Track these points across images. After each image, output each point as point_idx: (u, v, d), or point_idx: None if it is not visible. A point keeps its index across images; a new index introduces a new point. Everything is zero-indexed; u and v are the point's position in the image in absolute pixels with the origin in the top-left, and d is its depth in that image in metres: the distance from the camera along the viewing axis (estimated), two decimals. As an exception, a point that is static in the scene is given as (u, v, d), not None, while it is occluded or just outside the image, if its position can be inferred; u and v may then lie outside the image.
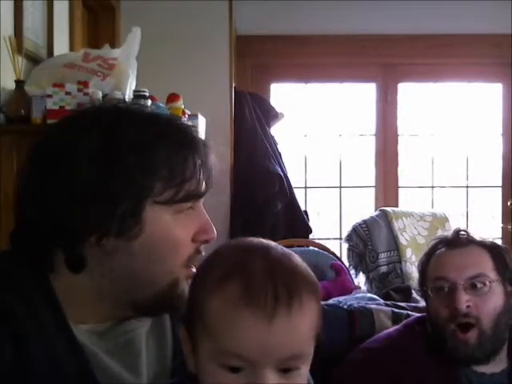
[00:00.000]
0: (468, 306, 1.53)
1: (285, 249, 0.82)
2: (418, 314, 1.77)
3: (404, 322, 1.75)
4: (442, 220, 3.91)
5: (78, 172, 0.91)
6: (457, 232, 1.65)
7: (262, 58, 4.45)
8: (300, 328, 0.75)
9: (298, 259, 0.80)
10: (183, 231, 0.96)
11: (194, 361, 0.79)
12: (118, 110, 1.00)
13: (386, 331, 1.71)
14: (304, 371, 0.77)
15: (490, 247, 1.62)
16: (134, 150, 0.93)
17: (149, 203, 0.93)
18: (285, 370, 0.75)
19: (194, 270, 0.96)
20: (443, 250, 1.64)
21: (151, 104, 2.55)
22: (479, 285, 1.55)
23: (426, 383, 1.56)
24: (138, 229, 0.92)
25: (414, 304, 2.66)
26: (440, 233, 3.82)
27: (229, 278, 0.75)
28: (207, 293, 0.76)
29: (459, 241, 1.63)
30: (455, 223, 4.01)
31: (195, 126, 1.06)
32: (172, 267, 0.95)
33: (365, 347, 1.66)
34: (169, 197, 0.94)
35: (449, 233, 1.69)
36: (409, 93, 4.69)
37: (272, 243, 0.82)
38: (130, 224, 0.92)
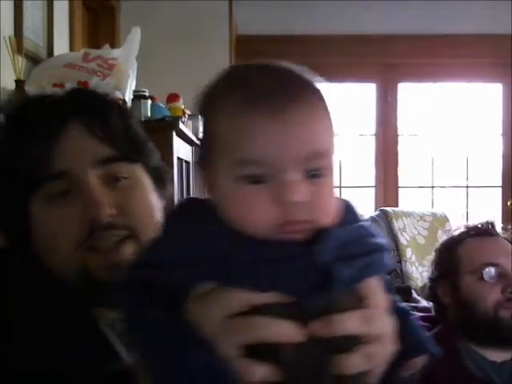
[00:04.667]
0: None
1: None
2: (421, 314, 1.77)
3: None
4: (442, 220, 3.91)
5: None
6: (489, 223, 1.72)
7: (262, 58, 4.43)
8: (313, 120, 0.68)
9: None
10: (59, 218, 0.92)
11: (214, 193, 0.72)
12: None
13: None
14: (331, 180, 0.70)
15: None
16: None
17: (23, 197, 0.94)
18: (313, 176, 0.68)
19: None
20: (479, 237, 1.69)
21: (151, 104, 2.55)
22: None
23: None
24: (27, 223, 0.95)
25: (414, 304, 2.66)
26: (440, 233, 3.82)
27: (231, 86, 0.70)
28: (211, 108, 0.72)
29: (492, 231, 1.71)
30: (455, 223, 4.01)
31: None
32: (63, 254, 0.92)
33: None
34: (22, 187, 0.93)
35: (475, 224, 1.74)
36: (409, 93, 4.69)
37: None
38: (21, 220, 0.95)
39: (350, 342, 0.66)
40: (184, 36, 3.81)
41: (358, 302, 0.68)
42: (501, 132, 4.63)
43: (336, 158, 0.72)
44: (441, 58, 4.47)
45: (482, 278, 1.61)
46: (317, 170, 0.69)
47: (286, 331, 0.64)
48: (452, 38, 4.39)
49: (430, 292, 1.76)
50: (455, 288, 1.66)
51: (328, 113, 0.71)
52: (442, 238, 3.83)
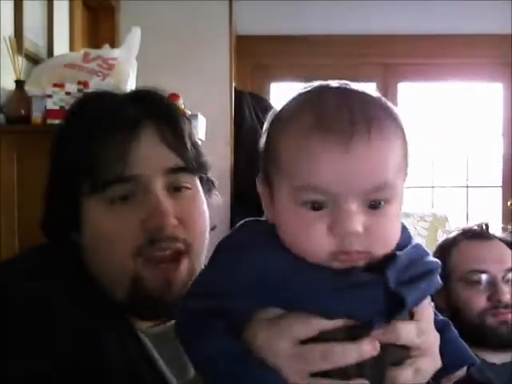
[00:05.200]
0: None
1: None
2: None
3: None
4: (442, 220, 3.91)
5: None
6: (483, 225, 1.69)
7: (262, 58, 4.45)
8: (381, 153, 0.67)
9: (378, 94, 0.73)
10: (120, 222, 0.91)
11: (272, 212, 0.72)
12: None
13: None
14: (395, 208, 0.71)
15: (509, 243, 1.68)
16: (57, 144, 0.99)
17: (82, 197, 0.93)
18: (373, 206, 0.68)
19: (159, 253, 0.91)
20: (471, 241, 1.67)
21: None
22: None
23: None
24: (80, 223, 0.94)
25: (413, 304, 2.66)
26: (440, 233, 3.82)
27: (301, 110, 0.69)
28: (280, 130, 0.71)
29: (486, 234, 1.67)
30: (455, 223, 4.01)
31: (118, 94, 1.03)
32: (118, 259, 0.91)
33: None
34: (90, 187, 0.92)
35: (470, 226, 1.72)
36: (409, 93, 4.69)
37: None
38: (71, 219, 0.94)
39: (403, 356, 0.69)
40: (184, 36, 3.81)
41: (411, 317, 0.71)
42: (501, 132, 4.63)
43: (403, 183, 0.71)
44: (441, 57, 4.47)
45: (469, 284, 1.61)
46: (380, 200, 0.69)
47: (360, 353, 0.66)
48: (452, 37, 4.39)
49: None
50: (447, 291, 1.66)
51: (404, 141, 0.71)
52: (442, 238, 3.84)
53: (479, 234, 1.68)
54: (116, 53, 2.63)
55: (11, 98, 2.35)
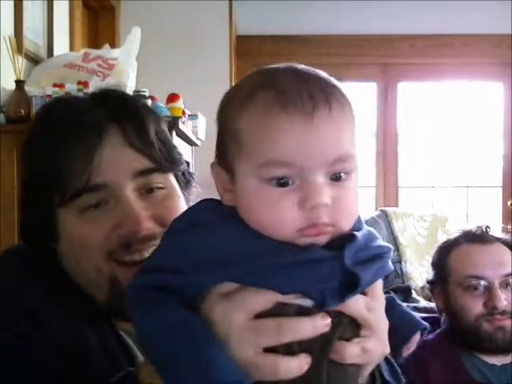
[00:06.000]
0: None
1: None
2: (421, 315, 1.77)
3: None
4: (442, 220, 3.91)
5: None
6: (483, 228, 1.67)
7: (262, 58, 4.44)
8: (341, 125, 0.69)
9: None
10: (91, 228, 0.91)
11: (230, 195, 0.72)
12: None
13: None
14: (354, 181, 0.71)
15: (510, 245, 1.65)
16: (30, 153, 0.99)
17: (55, 208, 0.93)
18: (336, 178, 0.69)
19: (137, 258, 0.91)
20: (470, 245, 1.65)
21: (151, 104, 2.55)
22: None
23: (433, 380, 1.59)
24: (56, 233, 0.94)
25: (413, 304, 2.66)
26: (440, 233, 3.82)
27: (259, 88, 0.69)
28: (238, 108, 0.70)
29: (486, 237, 1.65)
30: (455, 223, 4.01)
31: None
32: (93, 263, 0.91)
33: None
34: (60, 198, 0.91)
35: (470, 227, 1.70)
36: (409, 93, 4.69)
37: None
38: (48, 229, 0.94)
39: (352, 334, 0.70)
40: (184, 36, 3.81)
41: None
42: (501, 132, 4.63)
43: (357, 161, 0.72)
44: (441, 57, 4.47)
45: (466, 289, 1.60)
46: (342, 172, 0.69)
47: (314, 328, 0.67)
48: (452, 37, 4.40)
49: (430, 293, 1.76)
50: (445, 294, 1.66)
51: (354, 117, 0.72)
52: (442, 238, 3.84)
53: (479, 237, 1.65)
54: (116, 53, 2.64)
55: (11, 97, 2.35)
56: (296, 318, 0.67)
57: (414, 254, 3.67)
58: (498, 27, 4.26)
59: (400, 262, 3.59)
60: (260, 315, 0.67)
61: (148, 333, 0.68)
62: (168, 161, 0.97)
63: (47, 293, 0.90)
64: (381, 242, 0.75)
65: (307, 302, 0.68)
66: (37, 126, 0.99)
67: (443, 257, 1.68)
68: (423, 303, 2.81)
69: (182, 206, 0.98)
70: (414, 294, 2.92)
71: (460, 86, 4.71)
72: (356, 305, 0.70)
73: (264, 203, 0.68)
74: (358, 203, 0.73)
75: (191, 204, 1.00)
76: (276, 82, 0.69)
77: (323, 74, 0.73)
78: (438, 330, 1.68)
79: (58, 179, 0.90)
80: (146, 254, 0.91)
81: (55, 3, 2.81)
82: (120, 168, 0.92)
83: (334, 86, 0.71)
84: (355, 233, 0.70)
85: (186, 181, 1.03)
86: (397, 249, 3.63)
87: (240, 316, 0.67)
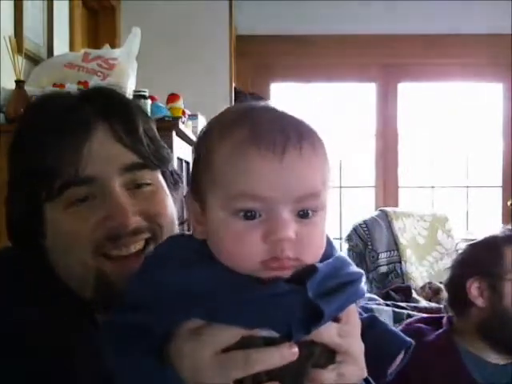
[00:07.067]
0: None
1: None
2: (421, 315, 1.76)
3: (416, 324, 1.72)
4: (442, 220, 3.91)
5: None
6: None
7: (262, 58, 4.45)
8: (312, 165, 0.72)
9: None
10: (77, 221, 0.91)
11: (202, 227, 0.75)
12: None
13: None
14: (321, 219, 0.73)
15: None
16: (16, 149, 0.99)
17: (42, 203, 0.93)
18: (303, 215, 0.71)
19: (122, 253, 0.92)
20: None
21: (151, 104, 2.55)
22: None
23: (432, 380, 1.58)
24: (43, 228, 0.94)
25: (413, 304, 2.66)
26: (440, 233, 3.83)
27: (235, 124, 0.73)
28: (213, 141, 0.73)
29: None
30: (455, 223, 4.01)
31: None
32: (79, 258, 0.92)
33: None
34: (46, 193, 0.92)
35: None
36: (409, 93, 4.69)
37: None
38: (35, 225, 0.94)
39: (327, 361, 0.72)
40: (184, 36, 3.81)
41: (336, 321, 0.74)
42: (501, 132, 4.63)
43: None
44: (441, 58, 4.47)
45: None
46: (309, 209, 0.72)
47: (281, 357, 0.69)
48: (452, 37, 4.40)
49: (455, 287, 1.68)
50: (494, 292, 1.60)
51: (326, 156, 0.74)
52: (442, 238, 3.85)
53: None
54: (116, 53, 2.64)
55: (11, 97, 2.35)
56: (263, 348, 0.69)
57: (413, 254, 3.67)
58: (497, 27, 4.26)
59: (400, 262, 3.60)
60: (228, 348, 0.69)
61: (116, 371, 0.72)
62: (156, 158, 0.98)
63: (28, 297, 0.90)
64: (353, 268, 0.77)
65: (274, 334, 0.69)
66: (24, 124, 1.00)
67: (494, 250, 1.62)
68: (423, 303, 2.81)
69: (170, 203, 0.99)
70: (414, 294, 2.92)
71: (460, 87, 4.71)
72: (328, 332, 0.72)
73: (230, 234, 0.71)
74: (325, 238, 0.75)
75: (178, 204, 1.02)
76: (252, 118, 0.73)
77: (298, 115, 0.76)
78: (440, 331, 1.67)
79: (46, 173, 0.91)
80: (133, 249, 0.92)
81: (55, 3, 2.81)
82: (108, 162, 0.93)
83: (307, 127, 0.74)
84: (317, 264, 0.72)
85: (174, 181, 1.03)
86: (397, 249, 3.63)
87: (208, 351, 0.69)
